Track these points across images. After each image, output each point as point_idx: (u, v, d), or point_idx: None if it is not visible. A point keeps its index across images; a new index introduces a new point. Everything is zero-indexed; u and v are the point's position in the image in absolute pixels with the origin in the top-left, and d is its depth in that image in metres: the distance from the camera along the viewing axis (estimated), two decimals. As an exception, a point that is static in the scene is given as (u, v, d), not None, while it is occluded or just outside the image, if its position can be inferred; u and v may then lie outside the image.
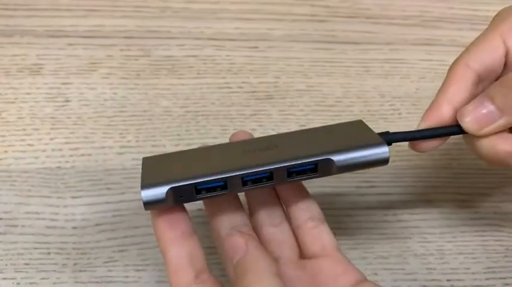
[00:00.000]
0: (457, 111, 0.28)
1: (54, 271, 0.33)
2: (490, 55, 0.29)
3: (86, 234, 0.35)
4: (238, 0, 0.50)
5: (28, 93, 0.41)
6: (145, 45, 0.45)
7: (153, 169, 0.27)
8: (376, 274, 0.35)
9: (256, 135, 0.36)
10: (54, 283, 0.33)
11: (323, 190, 0.38)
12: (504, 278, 0.35)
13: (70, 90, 0.42)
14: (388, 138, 0.28)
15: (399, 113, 0.43)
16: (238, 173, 0.26)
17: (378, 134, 0.28)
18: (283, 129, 0.41)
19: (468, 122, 0.27)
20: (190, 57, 0.45)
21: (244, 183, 0.26)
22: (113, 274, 0.33)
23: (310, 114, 0.43)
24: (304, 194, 0.30)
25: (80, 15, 0.46)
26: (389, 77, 0.46)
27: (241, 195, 0.30)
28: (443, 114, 0.29)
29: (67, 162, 0.38)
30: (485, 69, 0.29)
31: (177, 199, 0.26)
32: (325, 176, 0.27)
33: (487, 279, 0.35)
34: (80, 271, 0.33)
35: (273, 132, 0.41)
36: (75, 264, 0.33)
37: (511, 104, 0.26)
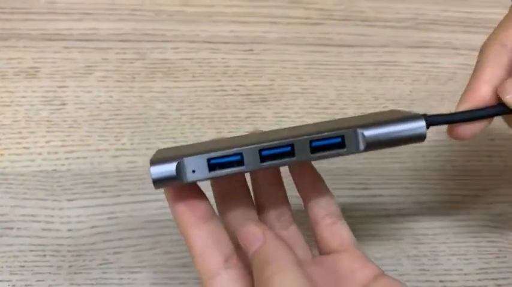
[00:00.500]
0: (497, 91, 0.26)
1: (50, 273, 0.33)
2: None
3: (81, 236, 0.35)
4: (233, 3, 0.50)
5: (24, 97, 0.41)
6: (140, 49, 0.45)
7: (165, 152, 0.25)
8: (369, 275, 0.35)
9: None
10: (50, 285, 0.33)
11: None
12: (496, 279, 0.36)
13: (66, 94, 0.42)
14: (427, 121, 0.25)
15: (393, 116, 0.44)
16: (255, 146, 0.24)
17: None
18: (278, 132, 0.42)
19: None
20: (186, 60, 0.45)
21: (263, 158, 0.24)
22: (107, 276, 0.33)
23: (305, 116, 0.43)
24: (323, 190, 0.29)
25: (76, 19, 0.47)
26: (383, 79, 0.47)
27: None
28: (483, 95, 0.26)
29: (63, 165, 0.38)
30: None
31: (189, 175, 0.24)
32: (354, 152, 0.24)
33: (480, 280, 0.36)
34: (75, 273, 0.33)
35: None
36: (70, 266, 0.34)
37: None
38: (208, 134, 0.41)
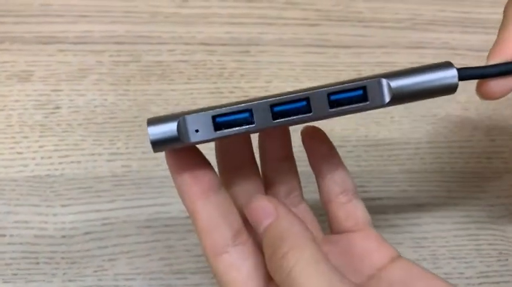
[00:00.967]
0: None
1: (43, 281, 0.33)
2: None
3: (76, 243, 0.34)
4: (229, 4, 0.50)
5: (17, 101, 0.41)
6: (135, 51, 0.45)
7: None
8: (368, 280, 0.34)
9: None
10: (43, 293, 0.32)
11: (312, 196, 0.38)
12: (498, 282, 0.35)
13: (60, 97, 0.41)
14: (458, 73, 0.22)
15: (391, 117, 0.43)
16: (266, 101, 0.21)
17: None
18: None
19: None
20: (181, 62, 0.45)
21: (275, 115, 0.21)
22: (102, 284, 0.33)
23: (302, 119, 0.43)
24: (338, 164, 0.27)
25: (70, 21, 0.46)
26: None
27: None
28: None
29: (56, 170, 0.37)
30: None
31: (192, 135, 0.21)
32: (379, 107, 0.22)
33: (481, 284, 0.35)
34: (70, 280, 0.33)
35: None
36: (64, 274, 0.33)
37: None
38: (205, 138, 0.40)
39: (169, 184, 0.36)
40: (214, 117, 0.21)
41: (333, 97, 0.21)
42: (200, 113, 0.21)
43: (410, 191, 0.39)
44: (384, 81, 0.21)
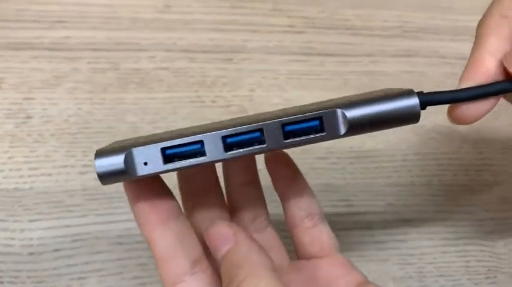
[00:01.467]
0: (504, 63, 0.23)
1: (7, 301, 0.31)
2: None
3: (43, 260, 0.32)
4: (212, 10, 0.48)
5: (-13, 109, 0.39)
6: (113, 58, 0.43)
7: (120, 143, 0.22)
8: (352, 300, 0.33)
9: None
10: (7, 315, 0.30)
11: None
12: (486, 302, 0.34)
13: (32, 106, 0.40)
14: (422, 99, 0.21)
15: (378, 128, 0.42)
16: (218, 132, 0.20)
17: None
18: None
19: None
20: (161, 69, 0.43)
21: (228, 147, 0.21)
22: (70, 304, 0.31)
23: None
24: (302, 186, 0.27)
25: (46, 27, 0.44)
26: (368, 89, 0.45)
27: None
28: (488, 68, 0.23)
29: (25, 183, 0.35)
30: None
31: (140, 168, 0.20)
32: (335, 137, 0.21)
33: (469, 303, 0.34)
34: (35, 301, 0.31)
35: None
36: (30, 293, 0.31)
37: None
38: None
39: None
40: (163, 150, 0.20)
41: (287, 128, 0.21)
42: (148, 145, 0.20)
43: (397, 205, 0.38)
44: (339, 111, 0.20)
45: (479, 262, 0.36)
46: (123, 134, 0.39)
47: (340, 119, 0.20)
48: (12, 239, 0.33)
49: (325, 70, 0.46)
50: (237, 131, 0.20)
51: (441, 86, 0.46)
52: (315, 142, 0.21)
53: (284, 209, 0.27)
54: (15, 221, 0.34)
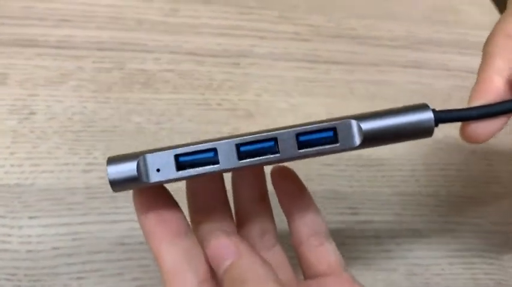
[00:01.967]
0: (510, 83, 0.23)
1: (3, 300, 0.30)
2: None
3: (41, 259, 0.31)
4: (219, 15, 0.48)
5: (-11, 104, 0.38)
6: (119, 58, 0.43)
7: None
8: (358, 309, 0.32)
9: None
10: (2, 314, 0.29)
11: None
12: (495, 315, 0.33)
13: (36, 103, 0.39)
14: (435, 117, 0.21)
15: (385, 137, 0.41)
16: (232, 140, 0.20)
17: None
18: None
19: None
20: (167, 71, 0.43)
21: (241, 155, 0.20)
22: (68, 305, 0.30)
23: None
24: (308, 204, 0.26)
25: (52, 25, 0.44)
26: (375, 99, 0.44)
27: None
28: (497, 86, 0.23)
29: (26, 179, 0.35)
30: None
31: (153, 175, 0.20)
32: (349, 149, 0.21)
33: (477, 317, 0.33)
34: (32, 300, 0.30)
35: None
36: (26, 292, 0.30)
37: None
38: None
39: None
40: (177, 157, 0.20)
41: (302, 138, 0.21)
42: (162, 151, 0.20)
43: (404, 215, 0.37)
44: (354, 122, 0.21)
45: (487, 274, 0.35)
46: (128, 133, 0.38)
47: (355, 131, 0.21)
48: (10, 236, 0.32)
49: (331, 78, 0.45)
50: (251, 139, 0.20)
51: (448, 98, 0.46)
52: (329, 153, 0.21)
53: (289, 225, 0.26)
54: (13, 217, 0.33)
